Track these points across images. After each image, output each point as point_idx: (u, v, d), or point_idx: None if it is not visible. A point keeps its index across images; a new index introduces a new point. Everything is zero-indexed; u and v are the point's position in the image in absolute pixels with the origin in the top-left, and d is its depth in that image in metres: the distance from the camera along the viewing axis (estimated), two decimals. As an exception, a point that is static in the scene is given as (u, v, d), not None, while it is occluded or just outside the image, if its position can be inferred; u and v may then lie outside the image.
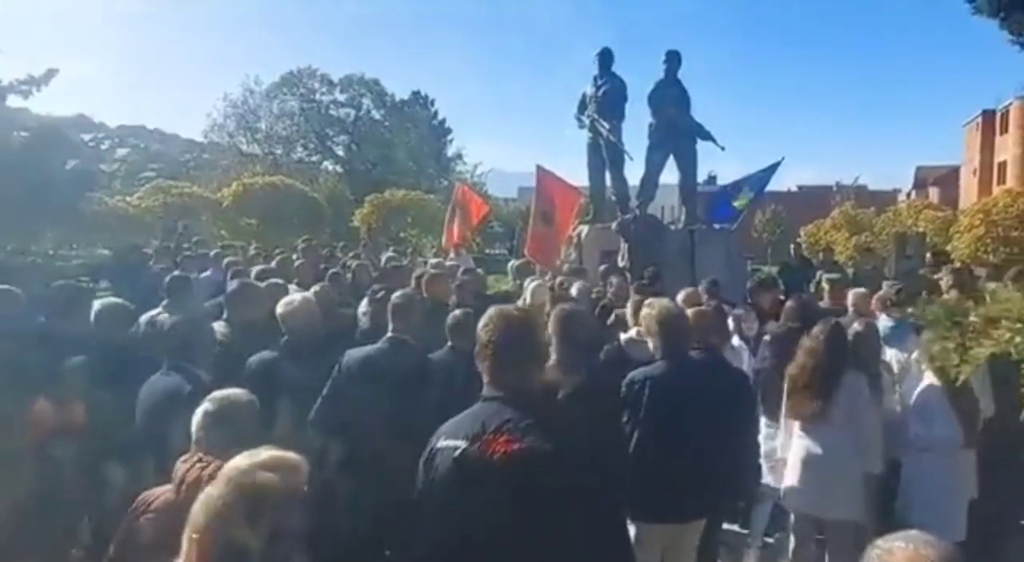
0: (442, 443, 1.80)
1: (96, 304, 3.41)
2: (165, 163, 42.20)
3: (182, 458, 1.88)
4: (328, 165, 40.77)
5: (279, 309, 3.58)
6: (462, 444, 1.74)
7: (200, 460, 1.83)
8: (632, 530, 3.07)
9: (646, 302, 3.33)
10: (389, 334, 3.28)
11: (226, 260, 7.99)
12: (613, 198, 9.53)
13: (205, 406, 1.94)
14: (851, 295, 5.09)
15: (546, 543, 1.66)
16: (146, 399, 2.79)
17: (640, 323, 3.96)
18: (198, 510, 1.06)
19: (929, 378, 3.38)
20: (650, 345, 3.22)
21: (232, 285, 4.09)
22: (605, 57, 9.01)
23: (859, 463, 3.31)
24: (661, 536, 3.03)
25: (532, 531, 1.66)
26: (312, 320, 3.57)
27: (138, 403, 2.80)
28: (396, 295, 3.45)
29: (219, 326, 3.73)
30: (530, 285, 5.12)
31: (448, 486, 1.74)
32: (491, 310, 1.96)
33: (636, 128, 9.22)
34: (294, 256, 8.57)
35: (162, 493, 1.83)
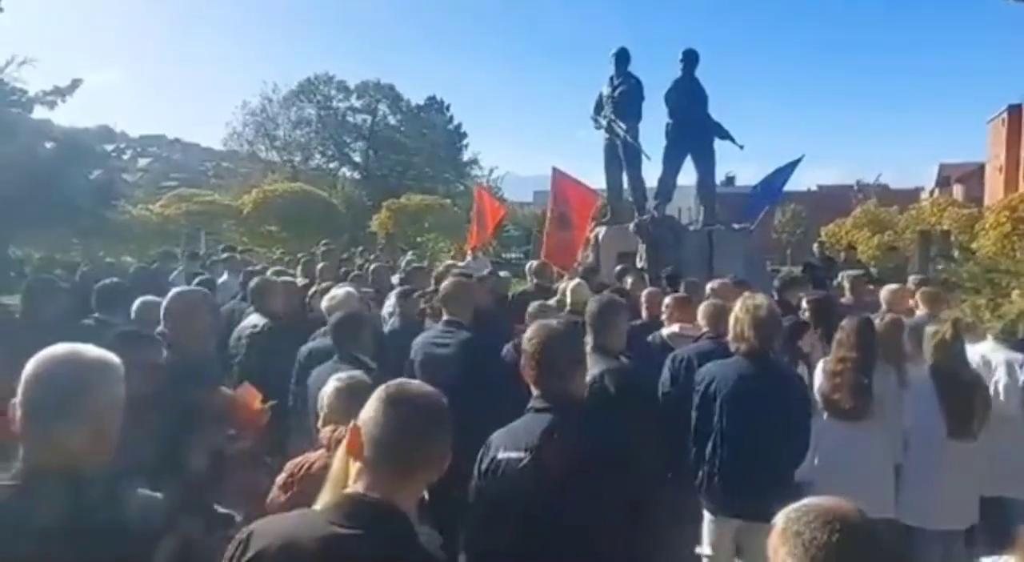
0: (503, 454, 1.91)
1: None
2: (186, 172, 42.88)
3: (327, 427, 2.16)
4: (346, 171, 41.13)
5: (324, 303, 3.79)
6: (524, 456, 1.86)
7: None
8: (707, 519, 3.18)
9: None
10: (446, 317, 3.46)
11: (246, 269, 8.24)
12: (630, 199, 9.46)
13: (335, 384, 2.27)
14: (884, 291, 5.09)
15: (600, 539, 1.80)
16: (317, 387, 2.88)
17: (681, 320, 4.10)
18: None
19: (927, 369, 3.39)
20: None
21: (253, 282, 4.36)
22: (621, 57, 8.94)
23: (891, 458, 3.30)
24: (733, 531, 3.09)
25: (590, 529, 1.79)
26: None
27: (309, 391, 2.96)
28: (447, 283, 3.71)
29: (256, 318, 4.02)
30: (570, 284, 5.03)
31: (514, 495, 1.85)
32: (534, 324, 2.11)
33: (653, 128, 9.18)
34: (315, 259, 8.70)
35: (317, 457, 2.14)
